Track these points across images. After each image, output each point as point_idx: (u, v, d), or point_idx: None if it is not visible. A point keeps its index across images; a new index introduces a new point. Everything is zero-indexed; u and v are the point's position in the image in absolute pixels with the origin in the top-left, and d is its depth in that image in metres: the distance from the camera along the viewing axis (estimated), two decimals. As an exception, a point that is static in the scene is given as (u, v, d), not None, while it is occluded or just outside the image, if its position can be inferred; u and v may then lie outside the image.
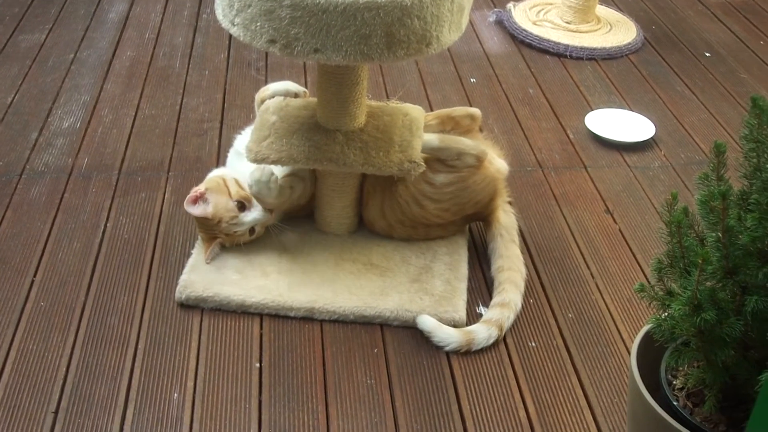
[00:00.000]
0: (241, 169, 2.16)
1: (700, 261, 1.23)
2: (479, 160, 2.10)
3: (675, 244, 1.32)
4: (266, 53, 3.15)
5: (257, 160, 2.01)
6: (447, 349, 1.92)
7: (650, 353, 1.51)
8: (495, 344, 1.95)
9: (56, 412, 1.74)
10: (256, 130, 2.07)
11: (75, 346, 1.90)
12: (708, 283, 1.29)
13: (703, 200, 1.27)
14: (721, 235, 1.23)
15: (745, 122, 1.28)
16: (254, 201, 2.07)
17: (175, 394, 1.80)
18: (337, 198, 2.14)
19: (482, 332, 1.94)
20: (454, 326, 1.97)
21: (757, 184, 1.28)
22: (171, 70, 3.03)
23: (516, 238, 2.19)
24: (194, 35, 3.29)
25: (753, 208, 1.25)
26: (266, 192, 2.03)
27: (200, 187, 2.07)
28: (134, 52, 3.15)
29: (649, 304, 1.41)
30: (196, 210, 2.05)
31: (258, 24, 1.74)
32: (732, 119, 2.91)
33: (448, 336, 1.93)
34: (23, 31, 3.24)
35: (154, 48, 3.18)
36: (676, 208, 1.35)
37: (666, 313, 1.35)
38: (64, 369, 1.84)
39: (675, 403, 1.42)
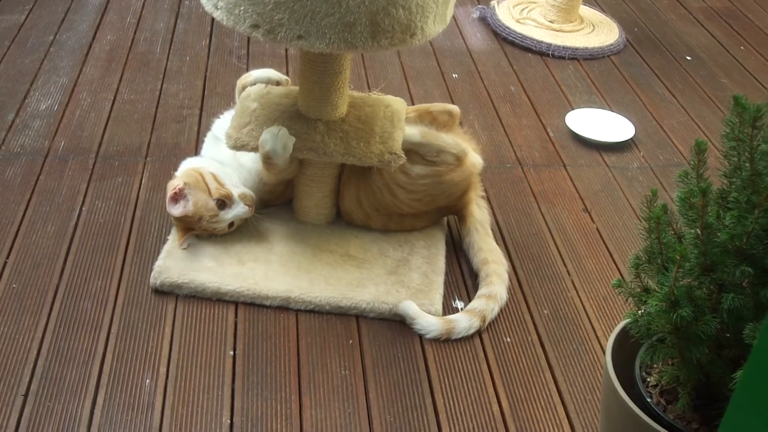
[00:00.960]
0: (218, 156, 2.14)
1: (678, 257, 1.23)
2: (458, 159, 2.09)
3: (653, 240, 1.33)
4: (248, 41, 3.13)
5: (236, 147, 2.00)
6: (428, 336, 1.92)
7: (625, 350, 1.51)
8: (471, 338, 1.95)
9: (26, 395, 1.72)
10: (236, 116, 2.06)
11: (47, 329, 1.87)
12: (685, 280, 1.29)
13: (683, 197, 1.28)
14: (699, 232, 1.24)
15: (726, 121, 1.29)
16: (235, 198, 2.04)
17: (148, 380, 1.78)
18: (316, 188, 2.13)
19: (463, 321, 1.94)
20: (430, 319, 1.97)
21: (736, 182, 1.28)
22: (151, 56, 3.00)
23: (490, 232, 2.19)
24: (176, 21, 3.26)
25: (732, 206, 1.25)
26: (280, 149, 1.95)
27: (178, 183, 2.03)
28: (115, 36, 3.11)
29: (626, 300, 1.41)
30: (177, 210, 2.02)
31: (242, 8, 1.72)
32: (711, 123, 2.93)
33: (429, 324, 1.93)
34: (2, 12, 3.20)
35: (135, 33, 3.15)
36: (655, 204, 1.35)
37: (642, 309, 1.35)
38: (35, 352, 1.82)
39: (648, 400, 1.43)
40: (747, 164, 1.25)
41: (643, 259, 1.37)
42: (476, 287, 2.09)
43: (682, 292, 1.27)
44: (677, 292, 1.27)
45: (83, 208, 2.23)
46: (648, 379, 1.48)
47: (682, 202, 1.30)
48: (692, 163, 1.37)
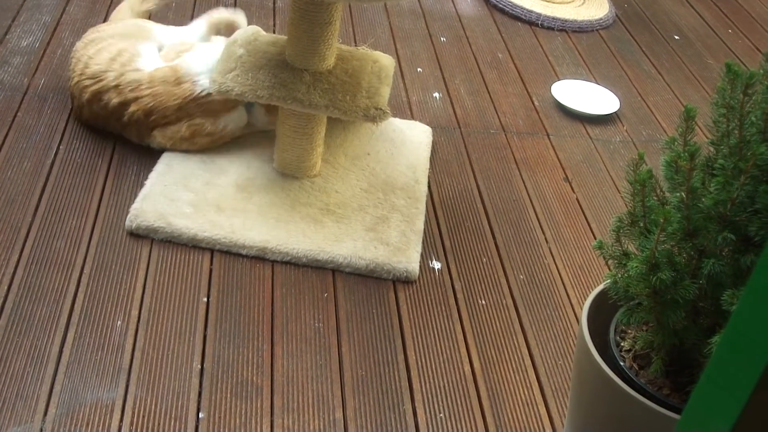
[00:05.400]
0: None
1: (661, 220, 1.23)
2: None
3: (638, 203, 1.32)
4: (236, -8, 3.08)
5: (220, 92, 1.97)
6: None
7: (601, 315, 1.51)
8: (446, 298, 1.94)
9: (-6, 330, 1.70)
10: (221, 60, 2.03)
11: (18, 265, 1.85)
12: (667, 245, 1.29)
13: (670, 161, 1.27)
14: (684, 196, 1.23)
15: (717, 88, 1.28)
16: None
17: (119, 322, 1.76)
18: (299, 140, 2.11)
19: None
20: (407, 278, 1.96)
21: (723, 150, 1.28)
22: None
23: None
24: (163, -33, 3.20)
25: (718, 172, 1.25)
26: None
27: None
28: (100, -23, 3.05)
29: (605, 263, 1.41)
30: None
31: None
32: (696, 102, 2.93)
33: None
34: (-15, -54, 3.12)
35: (121, -25, 3.08)
36: (641, 168, 1.35)
37: (622, 272, 1.35)
38: (6, 287, 1.79)
39: (621, 364, 1.43)
40: (736, 131, 1.24)
41: (626, 222, 1.37)
42: (454, 248, 2.09)
43: (662, 256, 1.27)
44: (658, 255, 1.27)
45: (60, 147, 2.19)
46: (622, 344, 1.49)
47: (668, 166, 1.30)
48: (679, 129, 1.36)
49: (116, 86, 2.13)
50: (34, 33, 2.65)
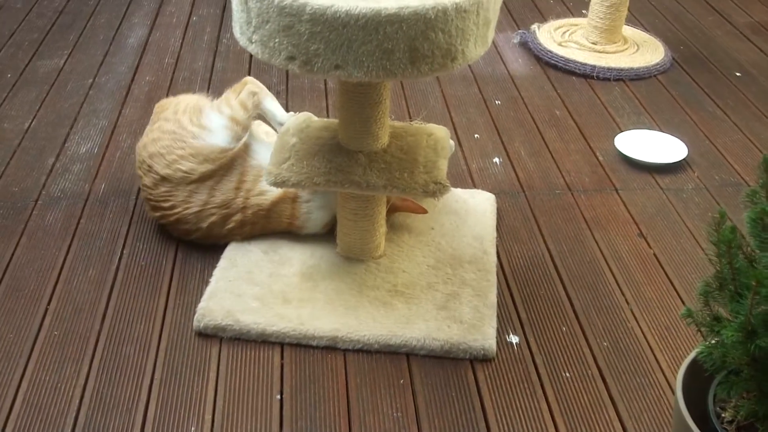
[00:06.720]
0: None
1: (753, 283, 1.14)
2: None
3: (725, 266, 1.23)
4: (287, 77, 3.09)
5: (277, 183, 1.94)
6: None
7: (696, 383, 1.41)
8: (528, 374, 1.85)
9: (68, 447, 1.67)
10: (275, 152, 2.01)
11: (89, 376, 1.82)
12: (762, 307, 1.19)
13: (755, 217, 1.18)
14: (776, 255, 1.14)
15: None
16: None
17: (193, 428, 1.72)
18: (360, 222, 2.06)
19: None
20: (485, 355, 1.88)
21: (812, 200, 1.19)
22: (190, 95, 2.98)
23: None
24: (214, 59, 3.24)
25: (810, 226, 1.16)
26: None
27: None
28: (153, 77, 3.10)
29: (697, 330, 1.31)
30: None
31: (276, 40, 1.67)
32: (767, 140, 2.81)
33: None
34: (42, 57, 3.21)
35: (174, 72, 3.13)
36: (723, 227, 1.26)
37: (716, 340, 1.26)
38: (77, 401, 1.76)
39: (725, 438, 1.33)
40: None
41: (714, 286, 1.28)
42: (530, 319, 2.00)
43: (759, 321, 1.18)
44: (754, 320, 1.17)
45: (124, 251, 2.19)
46: (723, 415, 1.38)
47: (753, 223, 1.21)
48: (761, 180, 1.28)
49: (243, 208, 2.15)
50: (92, 138, 2.69)
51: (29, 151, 2.61)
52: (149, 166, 2.16)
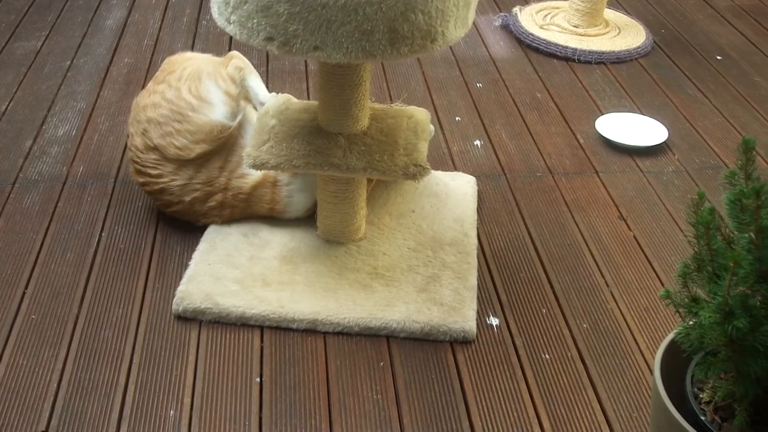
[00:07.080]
0: None
1: (731, 264, 1.14)
2: None
3: (703, 247, 1.24)
4: (267, 59, 3.07)
5: (256, 166, 1.93)
6: None
7: (674, 364, 1.42)
8: (508, 356, 1.86)
9: (46, 431, 1.65)
10: (255, 134, 1.99)
11: (67, 360, 1.81)
12: (739, 289, 1.20)
13: (733, 199, 1.19)
14: (753, 237, 1.14)
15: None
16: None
17: (172, 411, 1.71)
18: (340, 205, 2.06)
19: None
20: (465, 338, 1.88)
21: (790, 181, 1.19)
22: (169, 77, 2.95)
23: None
24: (194, 41, 3.21)
25: (787, 207, 1.16)
26: None
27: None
28: (132, 58, 3.07)
29: (676, 311, 1.32)
30: None
31: (255, 21, 1.65)
32: (747, 123, 2.82)
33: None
34: (19, 38, 3.17)
35: (153, 55, 3.10)
36: (702, 208, 1.26)
37: (693, 321, 1.26)
38: (55, 385, 1.75)
39: (702, 418, 1.33)
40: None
41: (692, 267, 1.28)
42: (510, 302, 2.00)
43: (736, 302, 1.18)
44: (731, 301, 1.18)
45: (103, 234, 2.17)
46: (701, 395, 1.39)
47: (731, 205, 1.21)
48: (739, 162, 1.28)
49: (224, 189, 2.13)
50: (70, 121, 2.66)
51: (6, 134, 2.58)
52: (144, 129, 2.13)
